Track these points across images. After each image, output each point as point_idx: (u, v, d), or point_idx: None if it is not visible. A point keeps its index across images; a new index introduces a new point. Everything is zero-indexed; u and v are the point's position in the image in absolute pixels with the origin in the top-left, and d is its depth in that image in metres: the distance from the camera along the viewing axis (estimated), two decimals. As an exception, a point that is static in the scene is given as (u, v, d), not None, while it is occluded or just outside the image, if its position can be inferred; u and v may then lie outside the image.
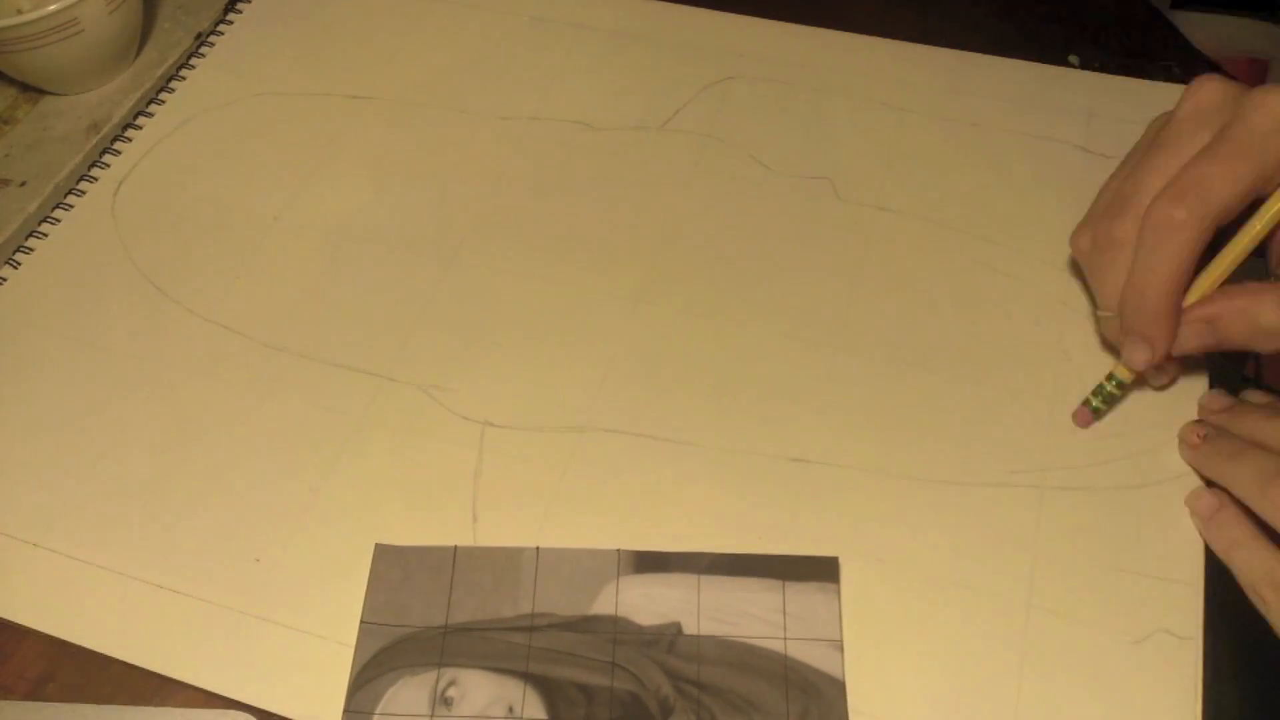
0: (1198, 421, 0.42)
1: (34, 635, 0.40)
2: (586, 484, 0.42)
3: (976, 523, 0.40)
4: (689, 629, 0.38)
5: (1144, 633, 0.38)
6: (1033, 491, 0.41)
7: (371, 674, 0.37)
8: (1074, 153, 0.51)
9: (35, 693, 0.39)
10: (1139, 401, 0.43)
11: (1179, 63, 0.55)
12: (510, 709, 0.36)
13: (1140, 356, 0.41)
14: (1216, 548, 0.39)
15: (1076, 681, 0.37)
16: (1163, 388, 0.44)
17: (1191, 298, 0.40)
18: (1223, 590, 0.39)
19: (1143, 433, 0.42)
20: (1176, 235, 0.38)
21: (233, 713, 0.38)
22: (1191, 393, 0.43)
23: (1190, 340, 0.40)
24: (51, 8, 0.50)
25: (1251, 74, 0.77)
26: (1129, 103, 0.52)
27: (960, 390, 0.44)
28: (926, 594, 0.39)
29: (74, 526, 0.42)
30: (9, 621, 0.40)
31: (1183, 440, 0.42)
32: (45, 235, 0.51)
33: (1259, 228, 0.39)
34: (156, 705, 0.38)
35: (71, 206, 0.52)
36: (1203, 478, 0.41)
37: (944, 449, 0.42)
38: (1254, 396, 0.42)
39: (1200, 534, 0.40)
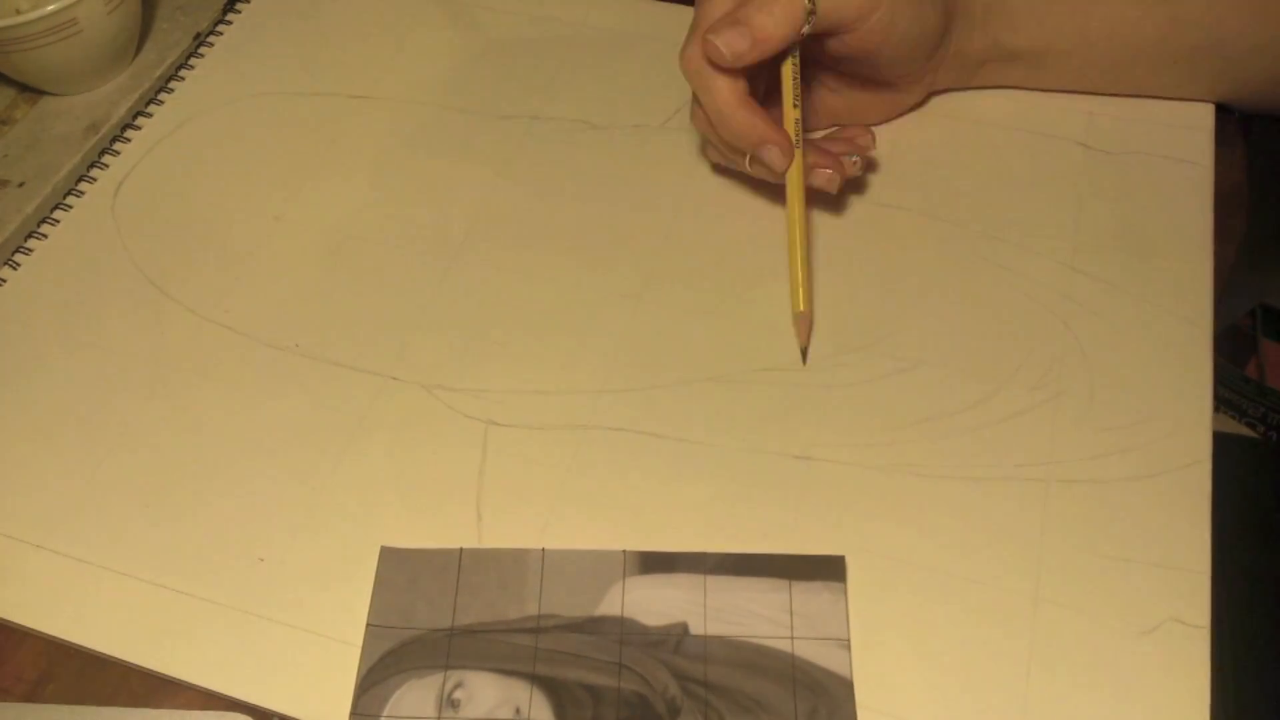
0: None
1: (33, 637, 0.40)
2: (591, 482, 0.42)
3: (983, 517, 0.40)
4: (695, 629, 0.38)
5: (1154, 622, 0.38)
6: (1039, 485, 0.41)
7: (378, 676, 0.37)
8: (1074, 148, 0.51)
9: (34, 694, 0.39)
10: (1144, 393, 0.43)
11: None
12: (517, 710, 0.36)
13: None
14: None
15: (1086, 673, 0.37)
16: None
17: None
18: (1232, 578, 0.39)
19: (1147, 424, 0.42)
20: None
21: (231, 714, 0.38)
22: (1196, 385, 0.43)
23: (734, 38, 0.43)
24: (50, 8, 0.50)
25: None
26: (1127, 100, 0.52)
27: (964, 385, 0.44)
28: (934, 590, 0.39)
29: (77, 528, 0.42)
30: (10, 623, 0.40)
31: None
32: (45, 236, 0.51)
33: None
34: (155, 707, 0.38)
35: (70, 207, 0.52)
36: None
37: (949, 444, 0.42)
38: None
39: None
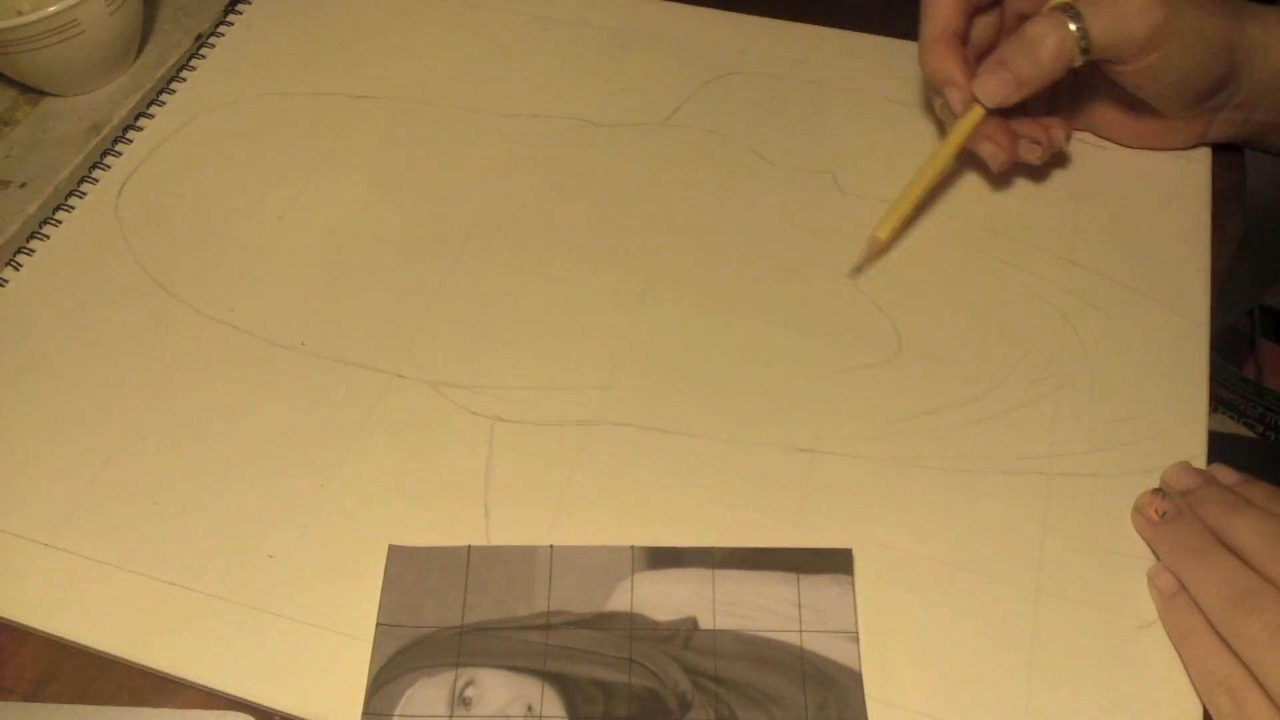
0: (1157, 492, 0.40)
1: (35, 636, 0.40)
2: (596, 477, 0.42)
3: (985, 510, 0.41)
4: (705, 624, 0.38)
5: (1152, 616, 0.38)
6: (1040, 478, 0.41)
7: (389, 675, 0.37)
8: (1073, 143, 0.51)
9: (36, 693, 0.39)
10: (1145, 387, 0.43)
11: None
12: (529, 707, 0.36)
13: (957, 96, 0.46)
14: (1169, 632, 0.37)
15: (1088, 665, 0.37)
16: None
17: None
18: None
19: (1148, 419, 0.43)
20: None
21: (233, 714, 0.37)
22: (1193, 378, 0.43)
23: (995, 86, 0.44)
24: (52, 9, 0.50)
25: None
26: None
27: (966, 378, 0.44)
28: (937, 582, 0.39)
29: (83, 525, 0.42)
30: (12, 622, 0.40)
31: (1139, 510, 0.40)
32: (47, 237, 0.51)
33: None
34: (157, 706, 0.38)
35: (73, 208, 0.52)
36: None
37: (951, 437, 0.42)
38: (1222, 474, 0.40)
39: (1156, 608, 0.38)
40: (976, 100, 0.45)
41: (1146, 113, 0.48)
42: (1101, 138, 0.51)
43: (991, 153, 0.46)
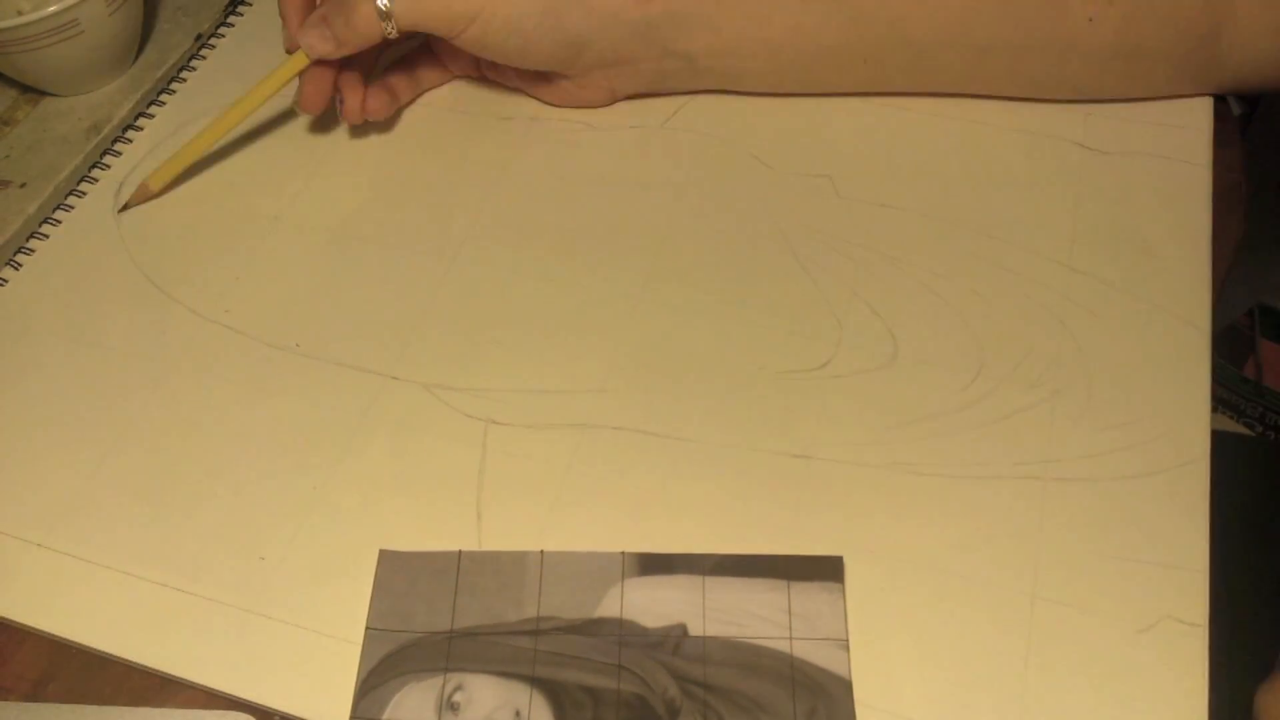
0: None
1: (34, 636, 0.40)
2: (590, 481, 0.42)
3: (981, 516, 0.41)
4: (694, 630, 0.38)
5: (1150, 620, 0.38)
6: (1036, 483, 0.41)
7: (378, 680, 0.37)
8: (1072, 148, 0.51)
9: (35, 693, 0.39)
10: (1141, 392, 0.43)
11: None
12: (517, 713, 0.36)
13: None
14: None
15: (1084, 671, 0.37)
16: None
17: None
18: (1229, 576, 0.39)
19: (1145, 423, 0.42)
20: None
21: (233, 714, 0.38)
22: (1194, 384, 0.43)
23: (316, 40, 0.47)
24: (51, 9, 0.50)
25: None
26: (1124, 101, 0.52)
27: (962, 384, 0.44)
28: (931, 588, 0.39)
29: (78, 526, 0.42)
30: (10, 622, 0.40)
31: None
32: (46, 237, 0.51)
33: None
34: (157, 706, 0.38)
35: (72, 208, 0.52)
36: None
37: (947, 443, 0.42)
38: None
39: None
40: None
41: (545, 76, 0.50)
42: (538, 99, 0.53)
43: (306, 99, 0.49)
